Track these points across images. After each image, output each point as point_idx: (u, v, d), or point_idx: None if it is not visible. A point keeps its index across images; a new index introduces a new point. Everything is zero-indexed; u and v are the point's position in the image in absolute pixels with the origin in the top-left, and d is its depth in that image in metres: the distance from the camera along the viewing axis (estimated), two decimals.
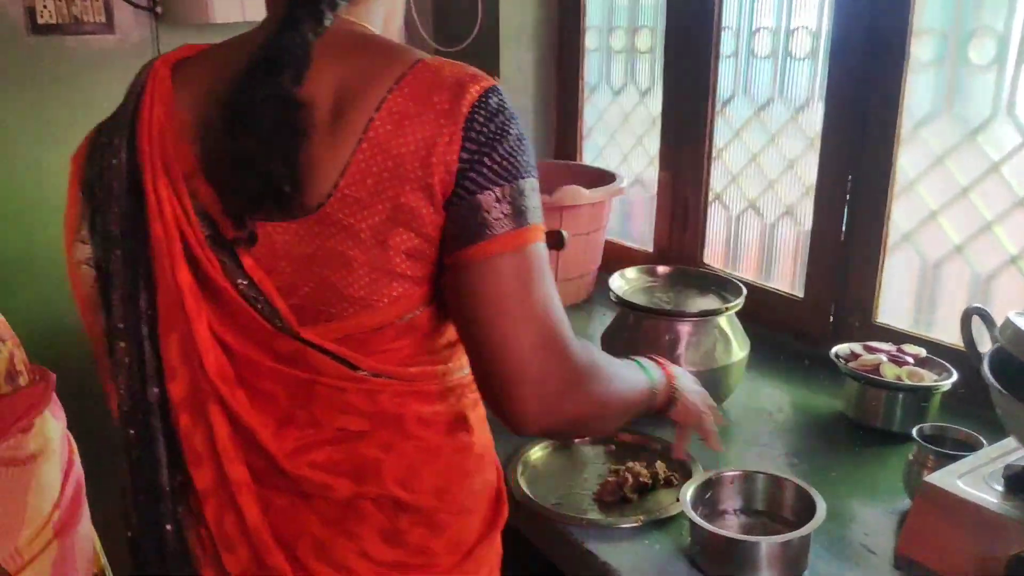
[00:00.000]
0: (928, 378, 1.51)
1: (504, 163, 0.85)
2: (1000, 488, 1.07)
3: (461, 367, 0.98)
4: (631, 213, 2.48)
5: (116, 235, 0.90)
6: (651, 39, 2.29)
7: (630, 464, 1.40)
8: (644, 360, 1.14)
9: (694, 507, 1.21)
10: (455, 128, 0.83)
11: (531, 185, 0.88)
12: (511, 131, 0.86)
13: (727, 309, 1.58)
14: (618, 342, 1.65)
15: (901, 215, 1.73)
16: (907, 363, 1.55)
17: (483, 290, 0.85)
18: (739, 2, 2.01)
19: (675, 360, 1.55)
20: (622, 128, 2.44)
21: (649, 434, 1.52)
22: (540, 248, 0.88)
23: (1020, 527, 1.00)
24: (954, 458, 1.24)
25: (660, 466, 1.42)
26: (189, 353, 0.89)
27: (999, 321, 1.12)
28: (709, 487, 1.28)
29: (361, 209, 0.83)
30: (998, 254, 1.60)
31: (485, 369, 0.88)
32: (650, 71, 2.31)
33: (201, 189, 0.87)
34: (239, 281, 0.87)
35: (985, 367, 1.06)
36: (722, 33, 2.03)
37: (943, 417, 1.50)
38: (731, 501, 1.29)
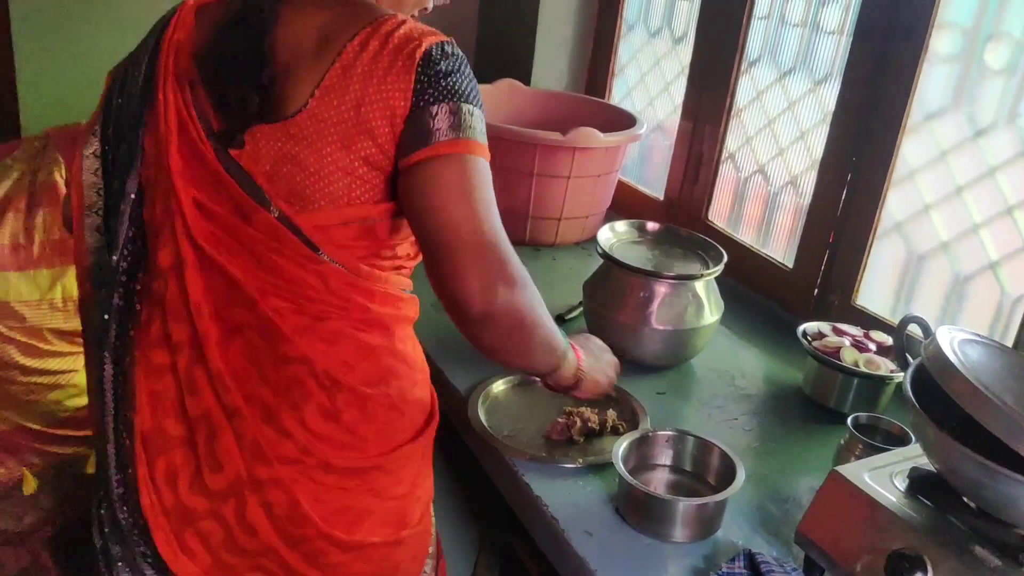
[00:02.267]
0: (885, 368, 1.56)
1: (450, 88, 1.05)
2: (902, 488, 1.14)
3: (405, 286, 1.17)
4: (649, 157, 2.51)
5: (125, 130, 1.13)
6: None
7: (582, 408, 1.49)
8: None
9: (625, 460, 1.30)
10: (411, 63, 1.03)
11: (471, 111, 1.06)
12: (459, 70, 1.06)
13: (702, 276, 1.64)
14: (598, 290, 1.72)
15: (896, 203, 1.76)
16: (868, 350, 1.60)
17: (429, 187, 1.04)
18: None
19: (646, 317, 1.62)
20: (653, 71, 2.45)
21: None
22: (480, 162, 1.06)
23: (907, 526, 1.07)
24: (880, 450, 1.32)
25: (611, 414, 1.51)
26: (176, 227, 1.08)
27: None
28: (644, 442, 1.37)
29: (327, 119, 1.04)
30: (979, 257, 1.63)
31: (433, 259, 1.05)
32: (686, 19, 2.31)
33: (201, 96, 1.09)
34: (229, 164, 1.07)
35: (907, 380, 1.12)
36: None
37: (896, 407, 1.57)
38: (663, 458, 1.38)
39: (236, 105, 1.05)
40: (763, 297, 2.03)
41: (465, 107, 1.05)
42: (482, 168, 1.06)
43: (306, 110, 1.04)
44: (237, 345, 1.09)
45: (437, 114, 1.03)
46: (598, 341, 1.41)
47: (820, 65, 1.92)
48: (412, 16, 1.19)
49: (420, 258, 1.13)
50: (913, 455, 1.22)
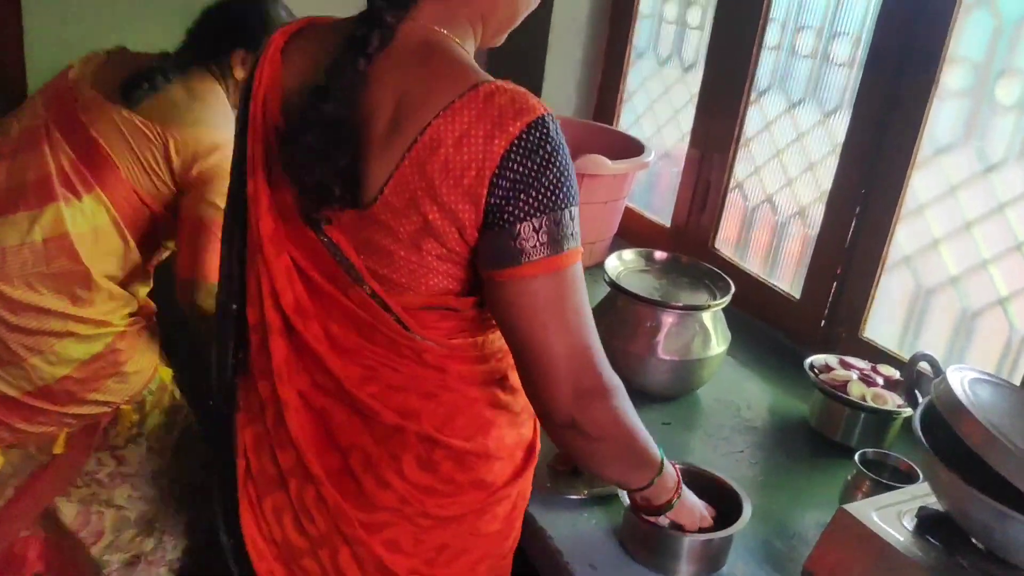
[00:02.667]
0: (892, 403, 1.55)
1: (544, 195, 0.92)
2: (910, 527, 1.13)
3: (501, 337, 1.06)
4: (656, 184, 2.51)
5: (233, 182, 1.11)
6: (702, 16, 2.28)
7: None
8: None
9: (630, 493, 1.29)
10: (491, 164, 0.90)
11: (571, 214, 0.94)
12: (553, 165, 0.92)
13: (709, 307, 1.64)
14: (604, 318, 1.71)
15: (905, 236, 1.75)
16: (876, 384, 1.59)
17: (519, 305, 0.95)
18: None
19: (653, 347, 1.62)
20: (661, 99, 2.46)
21: None
22: (575, 269, 0.96)
23: (915, 567, 1.06)
24: (887, 487, 1.31)
25: None
26: (263, 290, 1.05)
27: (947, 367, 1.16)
28: None
29: (399, 215, 0.95)
30: (988, 293, 1.63)
31: (523, 368, 1.00)
32: (696, 48, 2.32)
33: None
34: (322, 237, 1.01)
35: (916, 419, 1.11)
36: (769, 24, 2.03)
37: (903, 442, 1.56)
38: None
39: (315, 193, 0.95)
40: (770, 327, 2.02)
41: (566, 213, 0.93)
42: (578, 275, 0.96)
43: (379, 201, 0.95)
44: (332, 402, 1.07)
45: (529, 231, 0.91)
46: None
47: (830, 97, 1.93)
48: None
49: None
50: (921, 494, 1.21)
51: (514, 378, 1.11)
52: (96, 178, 1.67)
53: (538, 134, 0.91)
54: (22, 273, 1.62)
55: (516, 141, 0.90)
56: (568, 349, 0.95)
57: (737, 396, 1.76)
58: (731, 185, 2.18)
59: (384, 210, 0.95)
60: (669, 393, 1.70)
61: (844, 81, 1.89)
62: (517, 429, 1.15)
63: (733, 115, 2.13)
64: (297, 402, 1.07)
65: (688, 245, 2.23)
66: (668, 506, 1.18)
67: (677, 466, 1.20)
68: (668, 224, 2.35)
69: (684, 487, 1.19)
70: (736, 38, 2.10)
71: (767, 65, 2.07)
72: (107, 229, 1.69)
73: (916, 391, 1.22)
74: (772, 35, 2.04)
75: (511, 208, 0.91)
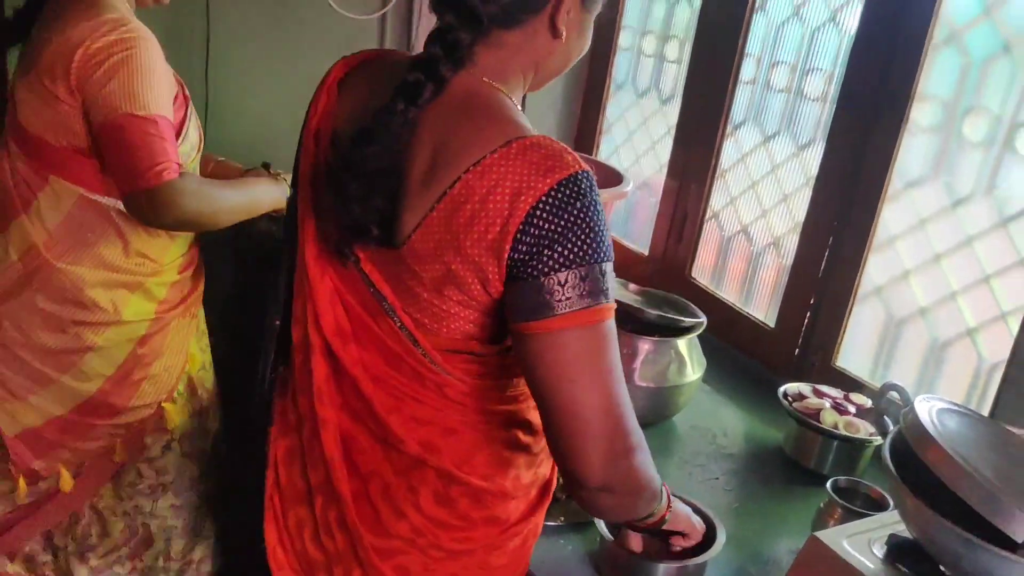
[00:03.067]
0: (864, 431, 1.58)
1: (573, 250, 0.90)
2: (880, 555, 1.15)
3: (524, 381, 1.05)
4: (635, 213, 2.55)
5: (290, 203, 1.16)
6: (680, 50, 2.33)
7: None
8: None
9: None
10: (516, 220, 0.90)
11: (601, 270, 0.91)
12: (584, 221, 0.90)
13: (684, 334, 1.66)
14: None
15: (876, 268, 1.79)
16: (848, 413, 1.62)
17: (547, 359, 0.92)
18: (764, 32, 2.05)
19: (629, 374, 1.64)
20: (640, 130, 2.50)
21: None
22: (607, 326, 0.92)
23: None
24: (858, 515, 1.33)
25: None
26: (307, 311, 1.07)
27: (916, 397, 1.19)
28: None
29: (423, 261, 0.97)
30: (957, 324, 1.66)
31: (553, 428, 0.96)
32: (674, 81, 2.36)
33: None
34: (357, 268, 1.03)
35: (886, 448, 1.14)
36: (744, 59, 2.08)
37: (875, 469, 1.59)
38: None
39: (352, 231, 0.97)
40: (745, 356, 2.05)
41: (599, 268, 0.91)
42: (610, 331, 0.93)
43: (407, 245, 0.96)
44: (359, 429, 1.09)
45: (555, 284, 0.90)
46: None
47: (804, 131, 1.97)
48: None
49: None
50: (891, 521, 1.24)
51: (535, 420, 1.09)
52: (43, 167, 1.61)
53: (568, 191, 0.90)
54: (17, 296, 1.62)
55: (544, 198, 0.89)
56: (600, 409, 0.92)
57: (713, 423, 1.78)
58: (707, 215, 2.21)
59: (410, 254, 0.97)
60: (645, 420, 1.70)
61: (817, 116, 1.93)
62: (535, 469, 1.15)
63: (710, 147, 2.17)
64: (334, 422, 1.09)
65: (666, 274, 2.27)
66: (663, 522, 1.17)
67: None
68: (646, 252, 2.38)
69: (673, 499, 1.19)
70: (713, 72, 2.14)
71: (743, 99, 2.11)
72: (76, 215, 1.62)
73: (886, 420, 1.25)
74: (748, 70, 2.09)
75: (535, 263, 0.90)
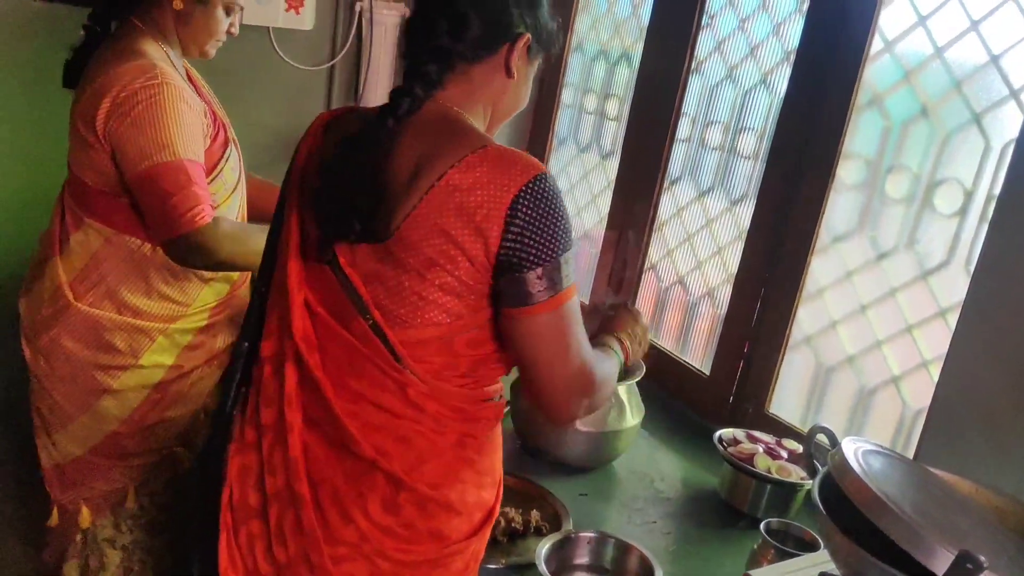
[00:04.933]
0: (796, 475, 1.63)
1: (545, 244, 1.08)
2: None
3: (483, 396, 1.21)
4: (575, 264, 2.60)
5: (271, 236, 1.28)
6: (619, 108, 2.42)
7: (506, 509, 1.51)
8: (614, 344, 1.38)
9: (547, 561, 1.32)
10: (502, 206, 1.06)
11: (566, 258, 1.11)
12: (553, 214, 1.08)
13: (623, 380, 1.70)
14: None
15: (806, 318, 1.87)
16: (781, 457, 1.68)
17: (528, 337, 1.12)
18: (699, 93, 2.15)
19: None
20: (581, 183, 2.57)
21: (531, 480, 1.63)
22: (572, 304, 1.13)
23: None
24: (791, 555, 1.37)
25: (534, 515, 1.53)
26: (283, 322, 1.18)
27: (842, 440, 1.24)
28: (565, 543, 1.39)
29: (410, 248, 1.10)
30: (882, 371, 1.74)
31: (532, 387, 1.16)
32: (614, 137, 2.44)
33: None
34: (336, 271, 1.15)
35: (815, 487, 1.18)
36: (680, 118, 2.17)
37: (807, 513, 1.64)
38: (583, 559, 1.41)
39: (334, 226, 1.12)
40: (682, 402, 2.10)
41: (562, 259, 1.09)
42: (574, 307, 1.13)
43: (395, 236, 1.10)
44: (316, 434, 1.17)
45: (534, 279, 1.08)
46: (633, 312, 1.50)
47: (737, 186, 2.06)
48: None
49: (497, 380, 1.23)
50: (822, 561, 1.28)
51: (483, 440, 1.23)
52: (81, 208, 1.65)
53: (542, 186, 1.08)
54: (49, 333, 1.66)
55: (523, 190, 1.06)
56: (567, 369, 1.13)
57: (651, 468, 1.82)
58: (645, 266, 2.28)
59: (397, 243, 1.10)
60: (586, 464, 1.75)
61: (749, 172, 2.02)
62: (479, 491, 1.22)
63: (647, 201, 2.24)
64: (300, 426, 1.17)
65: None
66: (632, 366, 1.53)
67: (623, 342, 1.39)
68: (587, 302, 2.44)
69: (624, 343, 1.39)
70: (651, 130, 2.22)
71: (679, 156, 2.20)
72: (101, 257, 1.66)
73: (815, 462, 1.30)
74: (684, 128, 2.17)
75: (519, 255, 1.07)
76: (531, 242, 1.07)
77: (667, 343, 2.22)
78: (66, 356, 1.67)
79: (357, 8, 2.63)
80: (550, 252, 1.08)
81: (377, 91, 2.69)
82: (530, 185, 1.06)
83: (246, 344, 1.27)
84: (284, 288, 1.18)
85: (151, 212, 1.59)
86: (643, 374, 1.76)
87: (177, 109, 1.56)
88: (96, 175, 1.62)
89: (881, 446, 1.24)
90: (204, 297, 1.73)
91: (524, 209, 1.06)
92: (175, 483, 1.80)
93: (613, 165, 2.40)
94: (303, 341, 1.16)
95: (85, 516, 1.77)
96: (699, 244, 2.15)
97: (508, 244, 1.07)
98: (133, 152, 1.55)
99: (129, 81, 1.54)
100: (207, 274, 1.71)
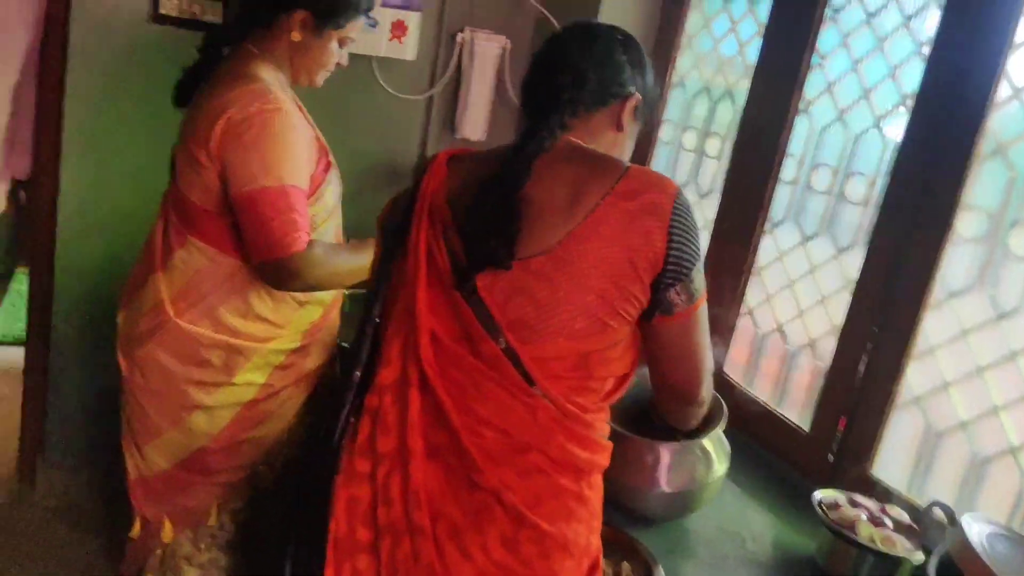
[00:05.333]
0: (901, 547, 1.52)
1: (693, 252, 1.20)
2: None
3: (604, 433, 1.29)
4: None
5: (385, 266, 1.33)
6: (720, 147, 2.35)
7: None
8: None
9: None
10: (663, 224, 1.17)
11: (698, 268, 1.22)
12: (695, 224, 1.21)
13: (706, 434, 1.61)
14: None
15: (915, 377, 1.76)
16: (885, 526, 1.57)
17: (666, 341, 1.25)
18: (807, 134, 2.06)
19: (655, 480, 1.60)
20: None
21: (620, 529, 1.56)
22: (702, 310, 1.25)
23: None
24: None
25: (625, 567, 1.47)
26: (408, 348, 1.22)
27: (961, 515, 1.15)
28: None
29: (573, 261, 1.18)
30: (999, 440, 1.62)
31: (675, 372, 1.28)
32: (712, 176, 2.37)
33: (452, 237, 1.24)
34: (469, 296, 1.20)
35: (931, 567, 1.09)
36: (785, 159, 2.09)
37: None
38: None
39: (481, 252, 1.19)
40: (776, 458, 2.00)
41: (694, 273, 1.20)
42: (703, 314, 1.25)
43: (550, 253, 1.18)
44: (436, 465, 1.20)
45: (677, 293, 1.20)
46: None
47: (844, 233, 1.96)
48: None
49: (619, 396, 1.30)
50: None
51: (597, 477, 1.29)
52: (186, 227, 1.69)
53: (684, 198, 1.21)
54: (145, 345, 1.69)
55: (676, 202, 1.18)
56: (702, 363, 1.28)
57: (741, 526, 1.73)
58: (742, 311, 2.19)
59: (553, 260, 1.18)
60: (670, 517, 1.67)
61: (859, 219, 1.93)
62: (590, 534, 1.26)
63: (746, 244, 2.16)
64: (423, 452, 1.20)
65: None
66: None
67: None
68: None
69: None
70: (753, 170, 2.15)
71: (783, 198, 2.11)
72: (203, 275, 1.69)
73: (926, 536, 1.21)
74: (789, 170, 2.09)
75: (676, 265, 1.18)
76: (686, 250, 1.18)
77: (762, 393, 2.12)
78: (161, 370, 1.69)
79: (459, 39, 2.63)
80: (689, 265, 1.19)
81: (475, 121, 2.68)
82: (679, 197, 1.19)
83: (357, 373, 1.28)
84: (411, 315, 1.22)
85: (250, 234, 1.62)
86: (726, 422, 1.67)
87: (287, 136, 1.60)
88: (203, 194, 1.65)
89: (1005, 527, 1.14)
90: (299, 319, 1.76)
91: (679, 219, 1.17)
92: (255, 502, 1.81)
93: (711, 204, 2.32)
94: (430, 366, 1.20)
95: (167, 531, 1.79)
96: (801, 292, 2.06)
97: (672, 252, 1.17)
98: (240, 174, 1.59)
99: (246, 104, 1.58)
100: (302, 297, 1.74)
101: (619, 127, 1.34)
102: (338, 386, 1.31)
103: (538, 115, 1.28)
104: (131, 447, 1.79)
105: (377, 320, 1.30)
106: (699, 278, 1.22)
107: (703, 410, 1.39)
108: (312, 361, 1.81)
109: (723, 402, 1.70)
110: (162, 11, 2.31)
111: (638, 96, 1.34)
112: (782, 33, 2.12)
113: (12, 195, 2.52)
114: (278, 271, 1.61)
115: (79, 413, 2.62)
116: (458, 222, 1.23)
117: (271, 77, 1.68)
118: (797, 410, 2.04)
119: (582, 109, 1.29)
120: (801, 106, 2.08)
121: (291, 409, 1.81)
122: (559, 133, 1.26)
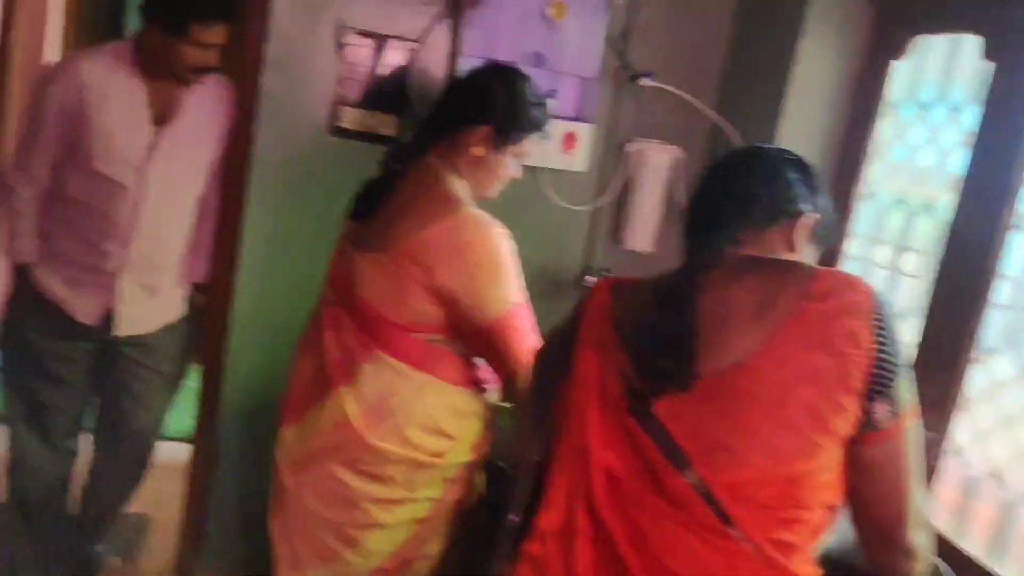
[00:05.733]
0: None
1: (889, 366, 1.11)
2: None
3: (807, 562, 1.17)
4: None
5: (544, 402, 1.28)
6: (919, 263, 2.15)
7: None
8: None
9: None
10: (867, 323, 1.10)
11: (905, 375, 1.13)
12: (895, 328, 1.14)
13: None
14: None
15: None
16: None
17: (868, 462, 1.13)
18: None
19: None
20: None
21: None
22: (914, 428, 1.15)
23: None
24: None
25: None
26: (575, 490, 1.14)
27: None
28: None
29: (763, 375, 1.10)
30: None
31: (866, 517, 1.17)
32: (909, 296, 2.16)
33: (622, 360, 1.19)
34: (648, 424, 1.13)
35: None
36: (999, 279, 1.87)
37: None
38: None
39: (658, 372, 1.13)
40: None
41: (900, 380, 1.12)
42: (916, 432, 1.16)
43: (742, 365, 1.11)
44: None
45: (885, 404, 1.11)
46: None
47: None
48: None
49: (828, 531, 1.18)
50: None
51: None
52: (372, 340, 1.66)
53: (882, 297, 1.15)
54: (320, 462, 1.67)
55: (877, 302, 1.12)
56: (903, 497, 1.13)
57: None
58: (948, 449, 1.95)
59: (747, 375, 1.10)
60: None
61: None
62: None
63: (949, 374, 1.93)
64: None
65: None
66: None
67: None
68: None
69: None
70: (958, 291, 1.94)
71: (995, 323, 1.89)
72: (392, 390, 1.67)
73: None
74: (1003, 293, 1.87)
75: (882, 372, 1.09)
76: (893, 353, 1.10)
77: (973, 547, 1.86)
78: (340, 488, 1.63)
79: (628, 149, 2.57)
80: (894, 373, 1.10)
81: (642, 232, 2.60)
82: (878, 295, 1.13)
83: (515, 518, 1.21)
84: (583, 452, 1.14)
85: (502, 353, 1.64)
86: None
87: (509, 255, 1.64)
88: (405, 312, 1.63)
89: None
90: (470, 432, 1.69)
91: (882, 319, 1.10)
92: None
93: (907, 327, 2.11)
94: (606, 509, 1.11)
95: None
96: (1022, 430, 1.81)
97: (881, 355, 1.09)
98: (477, 304, 1.61)
99: (470, 230, 1.62)
100: (480, 409, 1.72)
101: (791, 247, 1.28)
102: (487, 507, 1.25)
103: (706, 232, 1.25)
104: (294, 567, 1.71)
105: (538, 460, 1.22)
106: (906, 387, 1.13)
107: (915, 565, 1.18)
108: (477, 475, 1.75)
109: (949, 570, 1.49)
110: (341, 124, 2.36)
111: (812, 215, 1.29)
112: (992, 143, 1.93)
113: (191, 298, 2.60)
114: (521, 382, 1.62)
115: (238, 518, 2.61)
116: (628, 347, 1.18)
117: (466, 194, 1.69)
118: (1018, 568, 1.76)
119: (752, 226, 1.26)
120: (1013, 220, 1.87)
121: (452, 527, 1.73)
122: (730, 248, 1.22)
